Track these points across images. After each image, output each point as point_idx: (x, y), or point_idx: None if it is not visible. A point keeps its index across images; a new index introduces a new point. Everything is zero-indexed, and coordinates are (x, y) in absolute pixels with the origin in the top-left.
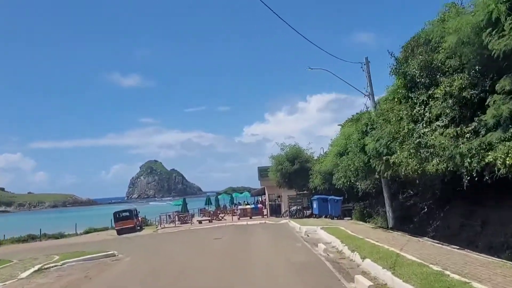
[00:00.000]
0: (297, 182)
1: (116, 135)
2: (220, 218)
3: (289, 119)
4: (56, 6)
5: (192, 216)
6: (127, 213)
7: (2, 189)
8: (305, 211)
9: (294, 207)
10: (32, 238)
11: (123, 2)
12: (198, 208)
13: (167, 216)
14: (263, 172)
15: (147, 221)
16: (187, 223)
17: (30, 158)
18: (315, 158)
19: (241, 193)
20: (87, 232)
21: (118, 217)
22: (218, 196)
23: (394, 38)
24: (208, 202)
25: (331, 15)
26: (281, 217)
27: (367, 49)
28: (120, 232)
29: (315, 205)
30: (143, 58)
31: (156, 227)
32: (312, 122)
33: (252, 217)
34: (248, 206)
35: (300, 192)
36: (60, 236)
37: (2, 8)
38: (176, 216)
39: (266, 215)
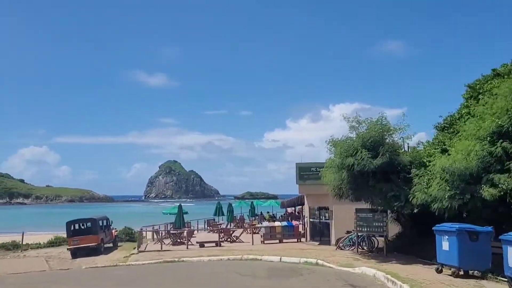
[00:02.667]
0: (378, 191)
1: (138, 134)
2: (234, 238)
3: (310, 127)
4: (82, 3)
5: (192, 233)
6: (89, 224)
7: (22, 181)
8: (375, 240)
9: (364, 232)
10: None
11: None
12: (205, 219)
13: (153, 231)
14: (305, 173)
15: (133, 233)
16: (183, 243)
17: (55, 152)
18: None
19: (265, 200)
20: (51, 243)
21: (74, 229)
22: (234, 205)
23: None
24: (218, 211)
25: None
26: (337, 247)
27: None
28: (75, 253)
29: (445, 244)
30: (170, 58)
31: (134, 248)
32: (333, 131)
33: (284, 240)
34: (277, 224)
35: (374, 208)
36: (13, 247)
37: (29, 4)
38: (168, 233)
39: (304, 237)
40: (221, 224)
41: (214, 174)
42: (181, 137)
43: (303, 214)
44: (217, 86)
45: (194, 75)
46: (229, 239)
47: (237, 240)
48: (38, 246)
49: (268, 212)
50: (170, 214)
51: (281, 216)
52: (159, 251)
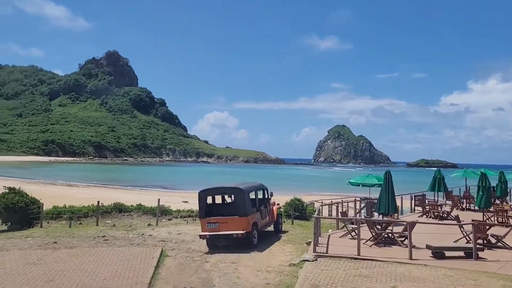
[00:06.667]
0: None
1: (308, 99)
2: (493, 239)
3: (500, 88)
4: None
5: (414, 225)
6: (234, 197)
7: (206, 142)
8: None
9: None
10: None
11: None
12: (412, 194)
13: (337, 218)
14: None
15: (305, 207)
16: (394, 243)
17: (234, 117)
18: None
19: None
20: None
21: (211, 204)
22: (453, 174)
23: None
24: (437, 184)
25: None
26: None
27: None
28: (213, 243)
29: None
30: (342, 20)
31: (307, 243)
32: None
33: None
34: None
35: None
36: (162, 213)
37: None
38: (368, 223)
39: None
40: (440, 205)
41: (385, 140)
42: (350, 102)
43: None
44: (389, 47)
45: (366, 37)
46: (481, 239)
47: (498, 243)
48: (189, 213)
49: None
50: (363, 185)
51: None
52: (354, 258)
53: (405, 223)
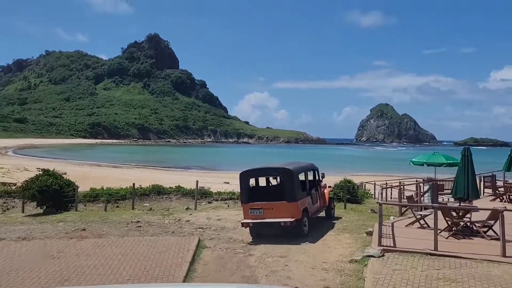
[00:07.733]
0: None
1: (349, 78)
2: None
3: None
4: None
5: (499, 214)
6: (280, 179)
7: (247, 123)
8: None
9: None
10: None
11: None
12: (481, 175)
13: (399, 204)
14: None
15: (356, 188)
16: (475, 234)
17: (275, 97)
18: None
19: None
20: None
21: (255, 187)
22: None
23: None
24: None
25: None
26: None
27: None
28: (255, 231)
29: None
30: None
31: (367, 233)
32: None
33: None
34: None
35: None
36: (202, 195)
37: None
38: (443, 210)
39: None
40: None
41: (430, 118)
42: (394, 79)
43: None
44: (437, 21)
45: (411, 10)
46: None
47: None
48: (231, 196)
49: None
50: (428, 165)
51: None
52: (431, 254)
53: (489, 210)
